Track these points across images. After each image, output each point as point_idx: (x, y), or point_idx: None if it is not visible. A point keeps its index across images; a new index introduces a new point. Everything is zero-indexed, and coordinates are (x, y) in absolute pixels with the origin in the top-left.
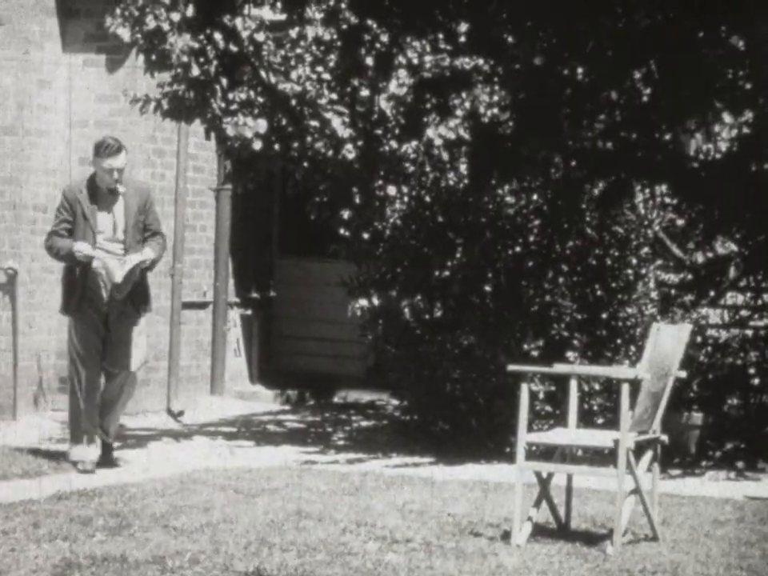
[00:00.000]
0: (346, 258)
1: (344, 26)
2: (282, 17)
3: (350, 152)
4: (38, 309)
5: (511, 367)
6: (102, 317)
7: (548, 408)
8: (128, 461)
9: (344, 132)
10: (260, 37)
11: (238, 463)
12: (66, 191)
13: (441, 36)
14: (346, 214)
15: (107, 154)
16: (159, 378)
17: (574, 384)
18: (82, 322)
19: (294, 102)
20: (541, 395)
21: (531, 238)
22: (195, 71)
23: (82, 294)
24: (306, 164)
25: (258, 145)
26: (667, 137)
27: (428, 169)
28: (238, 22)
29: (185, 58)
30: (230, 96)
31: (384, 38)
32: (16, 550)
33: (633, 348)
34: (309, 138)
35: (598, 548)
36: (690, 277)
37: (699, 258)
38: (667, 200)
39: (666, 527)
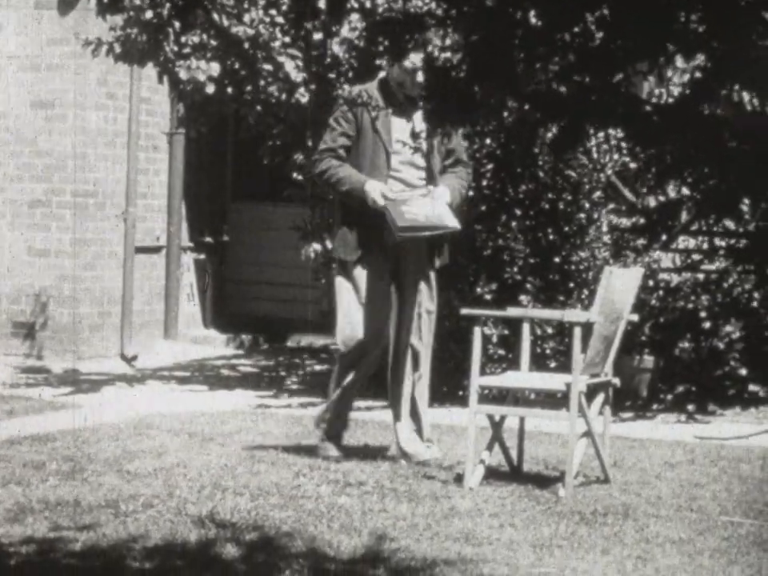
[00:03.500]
0: (300, 202)
1: None
2: None
3: (303, 96)
4: None
5: (464, 311)
6: (393, 267)
7: (501, 352)
8: (82, 405)
9: (297, 76)
10: None
11: (191, 407)
12: (346, 95)
13: None
14: (299, 158)
15: (412, 48)
16: (113, 322)
17: (526, 327)
18: (369, 272)
19: (246, 46)
20: (494, 339)
21: (484, 183)
22: (148, 14)
23: (368, 234)
24: (259, 108)
25: (210, 88)
26: (619, 78)
27: None
28: None
29: (137, 1)
30: (183, 39)
31: None
32: None
33: (585, 292)
34: (262, 82)
35: (550, 490)
36: (642, 221)
37: (651, 202)
38: (620, 143)
39: (617, 469)
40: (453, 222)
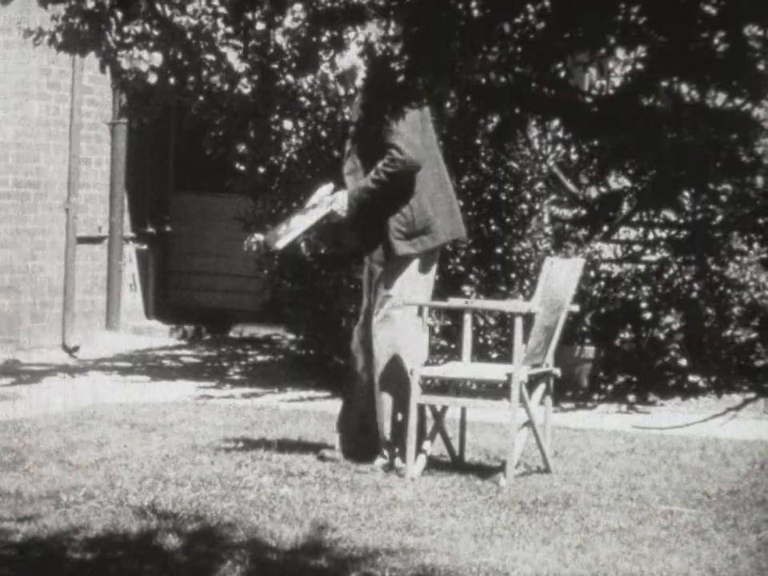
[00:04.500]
0: (242, 192)
1: None
2: None
3: (245, 86)
4: None
5: (407, 301)
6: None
7: (443, 342)
8: (22, 396)
9: (240, 66)
10: None
11: (133, 398)
12: None
13: None
14: (241, 149)
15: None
16: (54, 313)
17: (468, 318)
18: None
19: (189, 36)
20: (436, 329)
21: None
22: (90, 3)
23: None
24: (201, 98)
25: (153, 78)
26: (559, 69)
27: (324, 103)
28: None
29: None
30: (125, 29)
31: None
32: None
33: (527, 282)
34: (204, 72)
35: (492, 480)
36: (583, 212)
37: (593, 193)
38: (561, 135)
39: (558, 459)
40: (278, 243)
